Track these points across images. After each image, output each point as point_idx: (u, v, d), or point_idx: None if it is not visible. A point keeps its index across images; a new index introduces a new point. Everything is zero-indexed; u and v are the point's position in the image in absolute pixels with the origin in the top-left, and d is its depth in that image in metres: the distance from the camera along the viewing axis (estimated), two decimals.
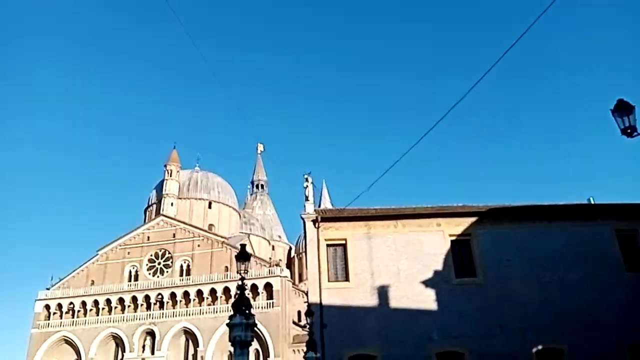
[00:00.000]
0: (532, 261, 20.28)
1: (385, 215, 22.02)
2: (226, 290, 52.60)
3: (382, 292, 20.33)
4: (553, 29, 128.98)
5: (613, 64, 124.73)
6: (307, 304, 21.68)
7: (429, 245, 20.99)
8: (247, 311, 12.34)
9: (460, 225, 21.37)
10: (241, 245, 13.29)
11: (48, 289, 57.36)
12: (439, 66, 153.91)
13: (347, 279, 20.86)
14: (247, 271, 13.08)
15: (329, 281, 20.87)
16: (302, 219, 22.85)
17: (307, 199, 23.85)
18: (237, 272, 12.86)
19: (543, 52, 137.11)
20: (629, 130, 8.26)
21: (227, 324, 12.17)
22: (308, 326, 19.65)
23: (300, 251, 78.62)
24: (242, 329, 11.79)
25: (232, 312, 12.24)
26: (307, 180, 24.37)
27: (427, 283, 20.35)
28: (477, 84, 12.23)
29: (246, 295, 12.58)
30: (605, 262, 20.16)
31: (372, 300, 20.18)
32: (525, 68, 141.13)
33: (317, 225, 21.92)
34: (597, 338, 18.63)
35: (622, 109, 7.64)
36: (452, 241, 21.16)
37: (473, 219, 21.38)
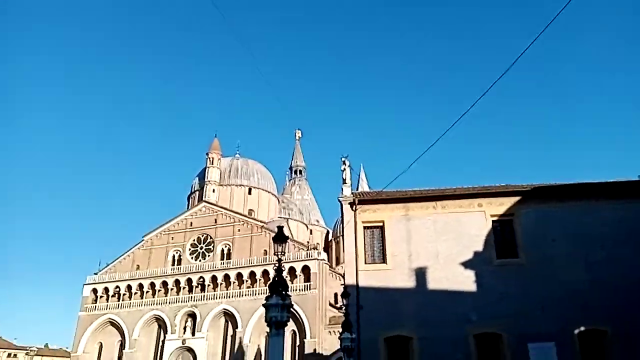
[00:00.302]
0: (578, 240, 19.52)
1: (424, 197, 21.54)
2: (265, 273, 53.32)
3: (420, 274, 20.04)
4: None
5: None
6: (343, 286, 21.63)
7: (469, 226, 20.50)
8: (283, 292, 12.34)
9: (502, 205, 20.72)
10: (278, 227, 13.23)
11: (96, 273, 59.68)
12: (479, 43, 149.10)
13: (384, 261, 20.67)
14: (285, 253, 13.05)
15: (365, 263, 20.77)
16: (340, 201, 22.68)
17: (344, 181, 23.61)
18: (275, 254, 12.85)
19: (593, 20, 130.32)
20: None
21: (264, 305, 12.20)
22: (344, 307, 19.60)
23: (338, 235, 78.65)
24: (279, 309, 11.81)
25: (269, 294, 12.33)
26: (344, 163, 24.10)
27: (466, 264, 19.92)
28: (515, 62, 11.51)
29: (283, 276, 12.57)
30: None
31: (409, 282, 19.95)
32: (571, 38, 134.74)
33: (354, 208, 21.73)
34: None
35: None
36: (493, 221, 20.58)
37: (516, 199, 20.67)
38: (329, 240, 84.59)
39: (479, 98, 17.60)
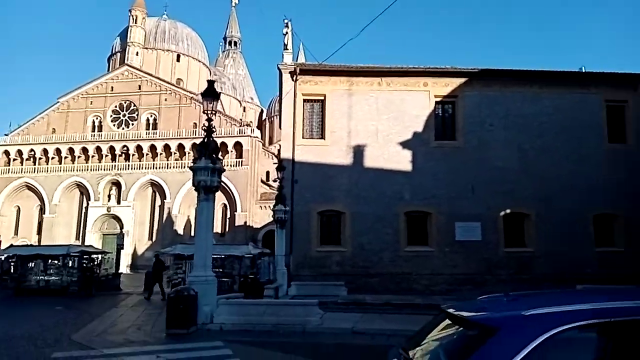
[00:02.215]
0: (515, 127, 19.65)
1: (369, 71, 20.40)
2: (195, 147, 51.56)
3: (358, 152, 19.62)
4: None
5: None
6: (278, 159, 20.87)
7: (412, 105, 19.90)
8: (213, 155, 11.21)
9: (447, 86, 20.12)
10: (209, 81, 11.61)
11: (7, 134, 54.80)
12: None
13: (322, 136, 19.94)
14: (215, 112, 11.67)
15: (303, 138, 19.94)
16: (279, 69, 20.99)
17: (285, 47, 21.61)
18: (204, 112, 11.41)
19: None
20: None
21: (191, 167, 11.04)
22: (279, 181, 19.04)
23: (272, 114, 76.82)
24: (208, 173, 10.74)
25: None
26: (287, 26, 21.84)
27: (404, 144, 19.63)
28: None
29: (213, 138, 11.32)
30: (589, 132, 19.65)
31: (346, 159, 19.54)
32: None
33: (295, 78, 20.28)
34: (567, 206, 18.78)
35: None
36: (436, 102, 20.10)
37: (462, 80, 20.10)
38: (263, 119, 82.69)
39: None
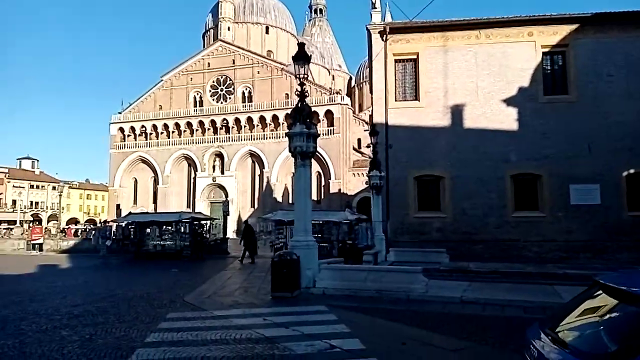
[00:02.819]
0: (638, 76, 17.31)
1: (466, 24, 19.02)
2: (288, 117, 52.56)
3: (456, 112, 18.54)
4: None
5: None
6: (371, 124, 20.42)
7: (516, 58, 18.33)
8: (307, 120, 11.10)
9: (556, 34, 18.19)
10: (299, 44, 11.40)
11: (120, 112, 59.82)
12: None
13: (416, 98, 19.09)
14: (307, 76, 11.47)
15: (396, 100, 19.25)
16: (368, 30, 20.30)
17: (373, 6, 20.83)
18: (296, 77, 11.26)
19: None
20: None
21: (287, 134, 11.04)
22: (372, 146, 18.64)
23: (362, 80, 75.74)
24: (303, 139, 10.67)
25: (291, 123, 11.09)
26: None
27: (509, 101, 18.20)
28: None
29: (306, 103, 11.18)
30: None
31: (443, 121, 18.57)
32: None
33: (385, 38, 19.48)
34: None
35: None
36: (544, 53, 18.33)
37: (573, 27, 18.06)
38: (352, 87, 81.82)
39: None
